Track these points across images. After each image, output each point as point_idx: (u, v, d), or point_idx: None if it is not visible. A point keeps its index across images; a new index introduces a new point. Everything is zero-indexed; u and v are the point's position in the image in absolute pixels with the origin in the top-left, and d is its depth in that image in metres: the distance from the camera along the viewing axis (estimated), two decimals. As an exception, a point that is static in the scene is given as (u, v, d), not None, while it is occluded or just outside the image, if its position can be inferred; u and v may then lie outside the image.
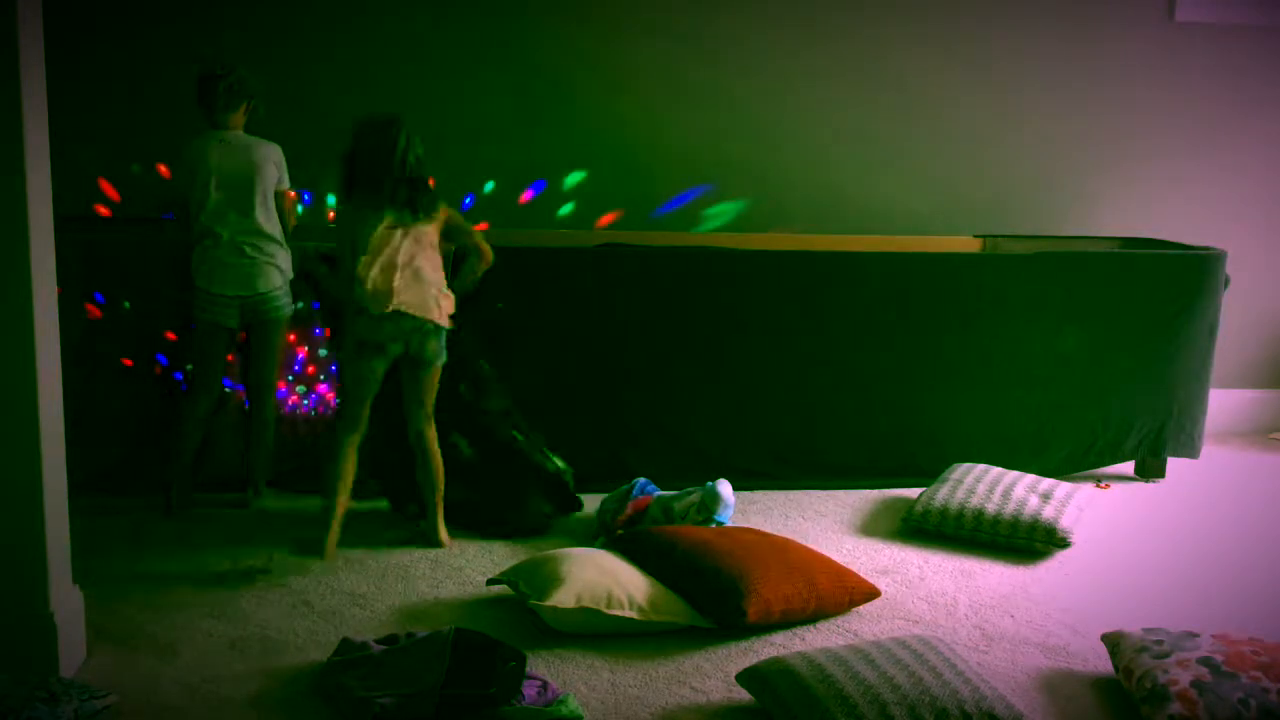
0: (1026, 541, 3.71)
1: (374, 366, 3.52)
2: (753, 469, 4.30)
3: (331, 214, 4.83)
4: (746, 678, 2.71)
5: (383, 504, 3.97)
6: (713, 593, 3.08)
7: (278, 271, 3.88)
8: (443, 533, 3.67)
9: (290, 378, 4.11)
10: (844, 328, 4.32)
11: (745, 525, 3.86)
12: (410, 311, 3.49)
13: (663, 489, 3.93)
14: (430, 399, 3.62)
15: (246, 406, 4.09)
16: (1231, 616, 3.24)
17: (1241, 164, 5.26)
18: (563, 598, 2.99)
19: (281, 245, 3.91)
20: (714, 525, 3.63)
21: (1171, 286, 4.43)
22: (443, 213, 3.61)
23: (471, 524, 3.79)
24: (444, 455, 3.67)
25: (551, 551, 3.26)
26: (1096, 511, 4.13)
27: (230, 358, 4.00)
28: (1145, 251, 4.65)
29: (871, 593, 3.26)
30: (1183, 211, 5.21)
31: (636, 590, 3.06)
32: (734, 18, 4.95)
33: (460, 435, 3.85)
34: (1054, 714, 2.74)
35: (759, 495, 4.20)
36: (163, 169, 4.74)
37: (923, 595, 3.39)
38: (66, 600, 2.78)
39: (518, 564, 3.27)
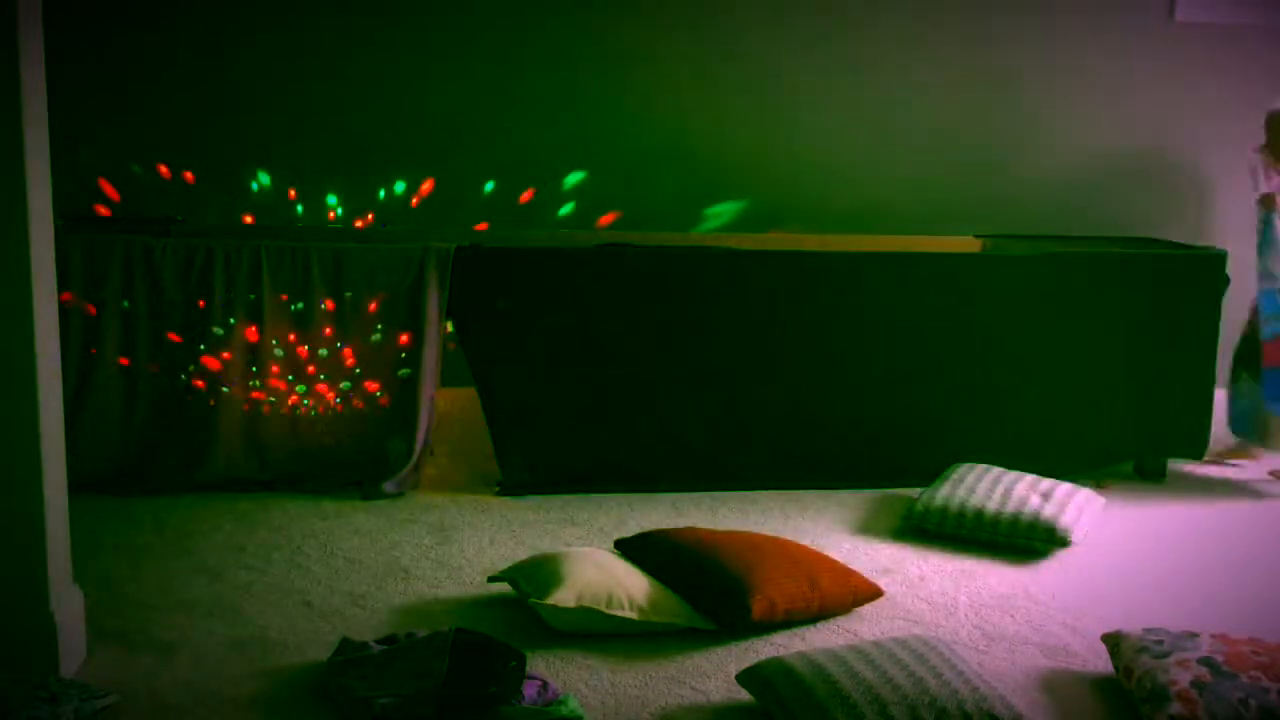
0: (1026, 541, 3.71)
1: None
2: (753, 469, 4.29)
3: (332, 214, 4.84)
4: (746, 678, 2.71)
5: (358, 499, 3.99)
6: (716, 591, 3.08)
7: None
8: None
9: (290, 377, 4.11)
10: (843, 327, 4.31)
11: (745, 525, 3.87)
12: None
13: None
14: None
15: (245, 406, 4.09)
16: (1231, 616, 3.24)
17: (1241, 164, 5.24)
18: (563, 597, 2.99)
19: None
20: None
21: (1172, 286, 4.43)
22: None
23: None
24: None
25: (552, 550, 3.26)
26: (1097, 511, 4.12)
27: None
28: (1145, 251, 4.65)
29: (874, 592, 3.26)
30: (1183, 211, 5.22)
31: (637, 590, 3.06)
32: (735, 18, 4.95)
33: None
34: (1054, 714, 2.74)
35: (759, 495, 4.20)
36: (163, 169, 4.75)
37: (923, 595, 3.39)
38: (66, 600, 2.78)
39: (519, 562, 3.27)
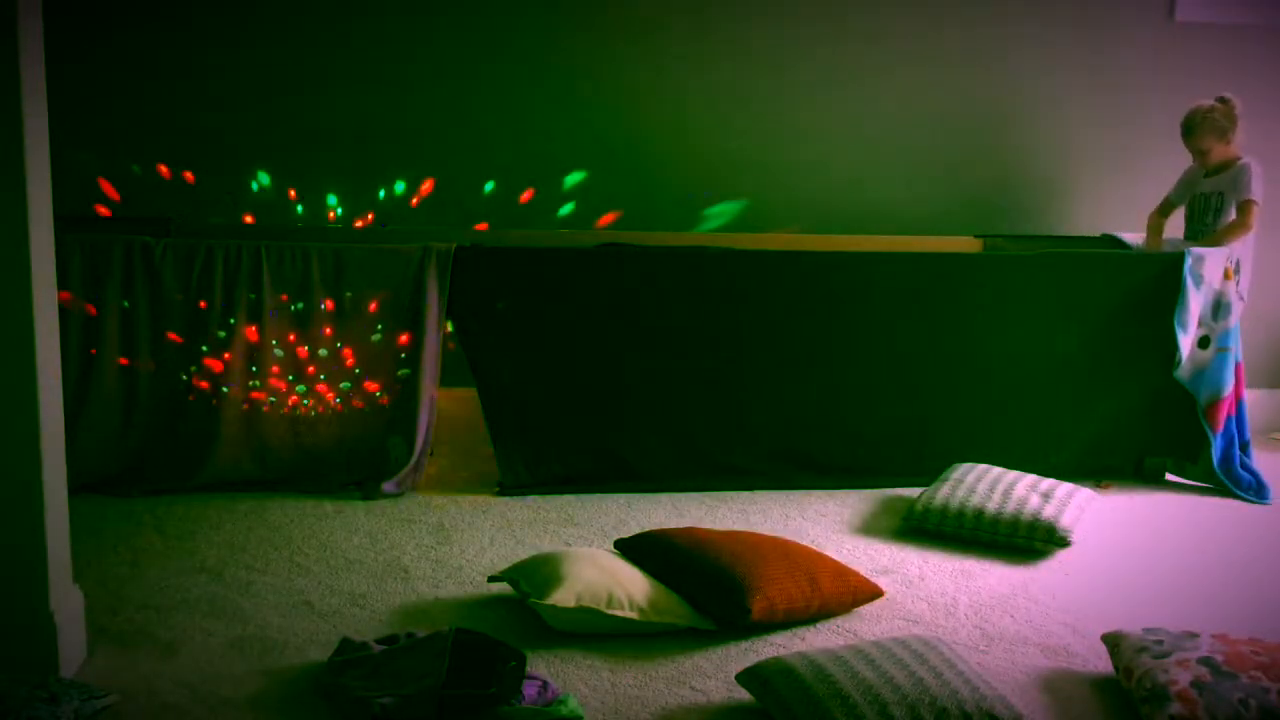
0: (1026, 541, 3.71)
1: None
2: (753, 469, 4.29)
3: (332, 214, 4.84)
4: (746, 678, 2.71)
5: (358, 499, 3.99)
6: (716, 590, 3.08)
7: None
8: None
9: (290, 377, 4.11)
10: (844, 327, 4.31)
11: (745, 525, 3.86)
12: None
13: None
14: None
15: (245, 406, 4.09)
16: (1231, 616, 3.24)
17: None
18: (563, 596, 2.99)
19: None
20: None
21: (1173, 287, 4.42)
22: None
23: None
24: None
25: (553, 550, 3.26)
26: (1097, 511, 4.12)
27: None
28: (1145, 251, 4.65)
29: (874, 593, 3.26)
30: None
31: (637, 590, 3.06)
32: (733, 18, 4.95)
33: None
34: (1054, 714, 2.74)
35: (759, 495, 4.20)
36: (163, 169, 4.75)
37: (923, 595, 3.39)
38: (66, 600, 2.78)
39: (519, 562, 3.27)
